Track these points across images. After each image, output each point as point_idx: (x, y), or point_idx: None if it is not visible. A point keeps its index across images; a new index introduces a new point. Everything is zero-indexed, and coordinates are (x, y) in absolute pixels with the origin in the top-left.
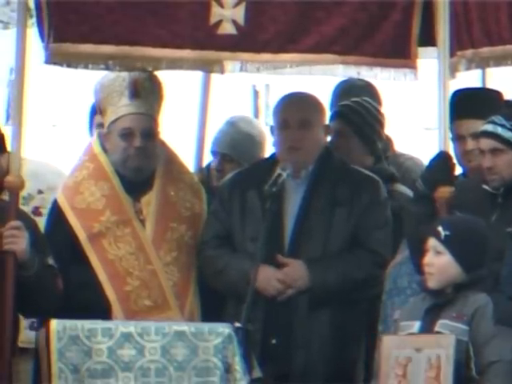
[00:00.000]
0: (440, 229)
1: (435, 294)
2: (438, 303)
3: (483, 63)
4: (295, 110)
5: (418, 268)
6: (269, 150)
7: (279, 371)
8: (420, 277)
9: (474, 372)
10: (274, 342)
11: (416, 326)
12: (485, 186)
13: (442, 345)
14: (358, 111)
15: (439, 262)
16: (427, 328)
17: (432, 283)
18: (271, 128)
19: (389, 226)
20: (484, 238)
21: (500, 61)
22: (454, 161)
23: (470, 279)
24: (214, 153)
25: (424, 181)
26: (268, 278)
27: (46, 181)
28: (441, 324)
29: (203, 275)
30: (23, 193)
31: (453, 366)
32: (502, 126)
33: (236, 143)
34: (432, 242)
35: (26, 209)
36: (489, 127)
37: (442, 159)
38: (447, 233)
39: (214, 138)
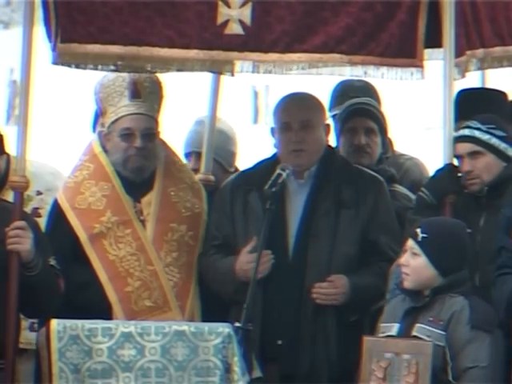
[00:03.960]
0: (418, 230)
1: (414, 297)
2: (416, 306)
3: (496, 63)
4: (296, 112)
5: None
6: (271, 150)
7: (285, 371)
8: (399, 278)
9: (450, 377)
10: (279, 342)
11: (395, 328)
12: (467, 191)
13: (420, 351)
14: (379, 110)
15: (414, 264)
16: (405, 331)
17: (407, 284)
18: (271, 129)
19: (396, 225)
20: (463, 242)
21: None
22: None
23: (448, 283)
24: (187, 154)
25: (431, 191)
26: (245, 261)
27: (45, 182)
28: (418, 328)
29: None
30: None
31: (431, 374)
32: (478, 129)
33: None
34: (409, 243)
35: (25, 210)
36: (465, 131)
37: (448, 169)
38: (424, 235)
39: (186, 139)
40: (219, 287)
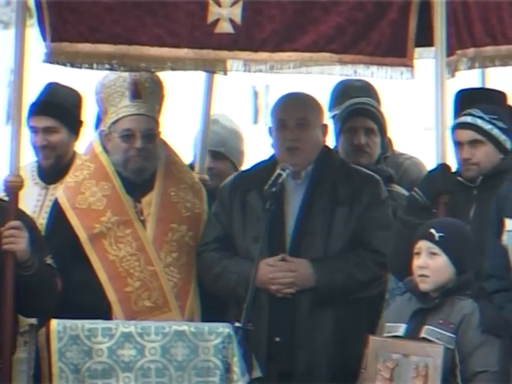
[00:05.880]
0: (433, 231)
1: (422, 298)
2: (425, 307)
3: (487, 62)
4: (292, 110)
5: (400, 275)
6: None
7: (283, 369)
8: (407, 277)
9: (459, 380)
10: (277, 339)
11: (402, 328)
12: (459, 179)
13: (430, 354)
14: (379, 110)
15: (435, 264)
16: (413, 332)
17: (426, 285)
18: (269, 129)
19: (391, 224)
20: (473, 242)
21: (506, 60)
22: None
23: (458, 284)
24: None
25: (424, 191)
26: (267, 274)
27: None
28: (427, 330)
29: (201, 277)
30: None
31: (441, 377)
32: (481, 118)
33: (225, 140)
34: (425, 245)
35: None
36: (467, 119)
37: (441, 170)
38: (441, 234)
39: (197, 138)
40: (225, 284)
